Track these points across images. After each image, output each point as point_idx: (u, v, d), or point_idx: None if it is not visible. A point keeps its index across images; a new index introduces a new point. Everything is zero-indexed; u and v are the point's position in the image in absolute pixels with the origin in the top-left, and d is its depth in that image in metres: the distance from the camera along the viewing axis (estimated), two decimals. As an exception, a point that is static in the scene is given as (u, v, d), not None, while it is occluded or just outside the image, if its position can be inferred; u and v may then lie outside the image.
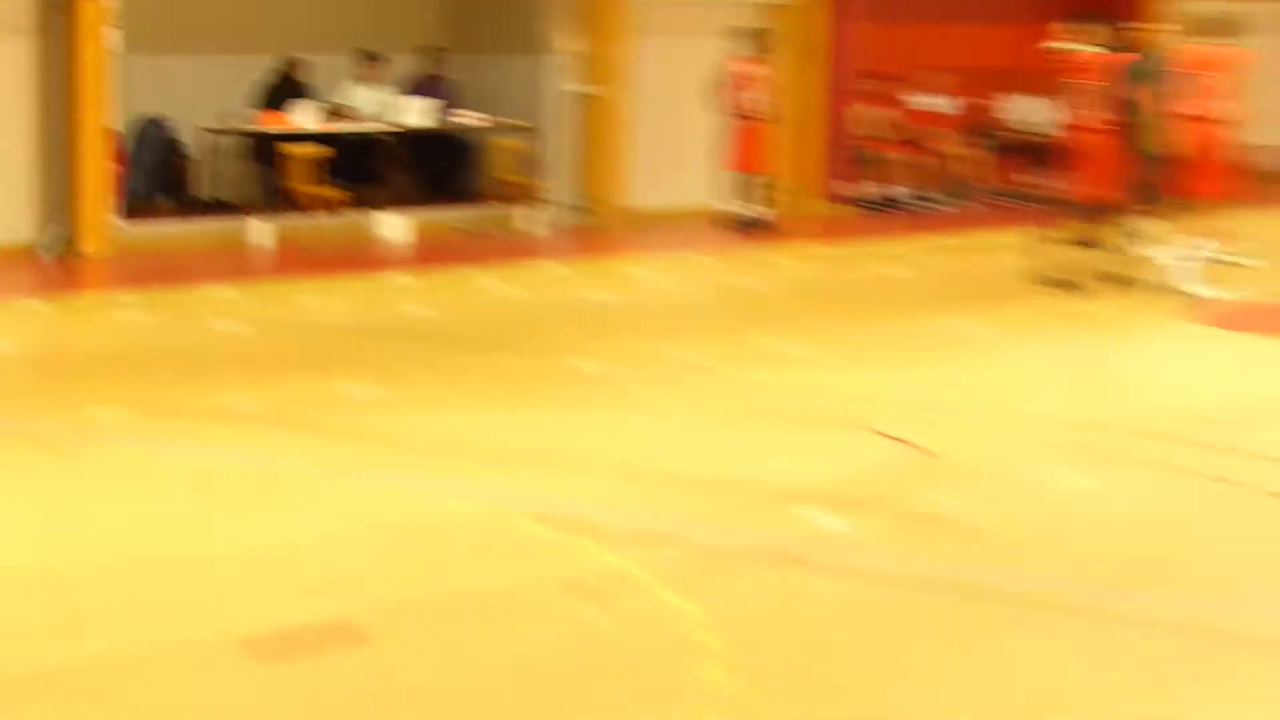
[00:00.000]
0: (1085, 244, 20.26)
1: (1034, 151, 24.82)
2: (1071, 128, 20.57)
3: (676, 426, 13.38)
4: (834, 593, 9.28)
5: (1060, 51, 21.56)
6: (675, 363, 15.60)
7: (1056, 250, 20.53)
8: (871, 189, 29.54)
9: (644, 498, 11.03)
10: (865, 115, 29.51)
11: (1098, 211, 20.37)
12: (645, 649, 8.34)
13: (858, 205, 29.19)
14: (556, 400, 14.31)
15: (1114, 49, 20.59)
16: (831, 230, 26.91)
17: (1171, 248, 20.11)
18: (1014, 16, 28.98)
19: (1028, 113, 28.12)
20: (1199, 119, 19.76)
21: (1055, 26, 23.37)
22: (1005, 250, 23.43)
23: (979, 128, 30.34)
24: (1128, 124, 20.35)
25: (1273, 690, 7.91)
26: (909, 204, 29.48)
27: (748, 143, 25.84)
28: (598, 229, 26.28)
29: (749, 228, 25.79)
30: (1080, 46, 21.26)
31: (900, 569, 9.60)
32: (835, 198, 28.88)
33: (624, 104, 26.60)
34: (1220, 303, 18.92)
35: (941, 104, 29.92)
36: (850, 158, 29.34)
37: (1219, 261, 19.82)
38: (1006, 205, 27.63)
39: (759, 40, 26.11)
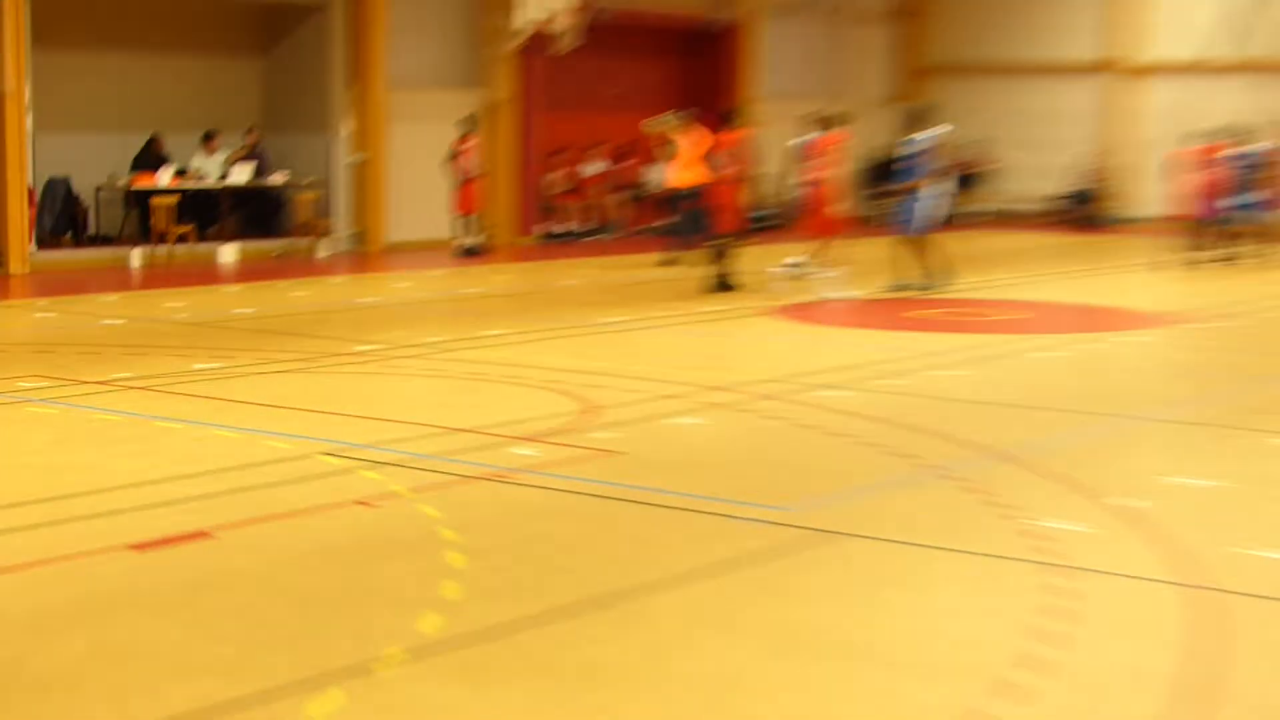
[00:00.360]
0: (715, 261, 20.60)
1: (663, 200, 25.06)
2: (712, 183, 20.98)
3: (424, 389, 13.37)
4: (532, 499, 9.33)
5: (657, 129, 22.10)
6: (422, 345, 15.58)
7: (696, 265, 20.81)
8: (555, 226, 29.70)
9: (402, 438, 11.01)
10: (550, 176, 29.67)
11: (725, 239, 20.74)
12: (406, 542, 8.36)
13: (546, 238, 29.33)
14: (341, 371, 14.25)
15: (732, 128, 20.98)
16: (528, 255, 26.99)
17: (786, 265, 20.84)
18: (636, 106, 29.20)
19: (656, 174, 28.32)
20: (812, 180, 20.20)
21: (667, 113, 24.08)
22: (646, 267, 23.71)
23: (625, 184, 30.63)
24: (742, 180, 20.78)
25: (818, 561, 8.11)
26: (580, 236, 29.66)
27: (469, 194, 25.96)
28: (368, 254, 26.20)
29: (471, 253, 25.85)
30: (669, 126, 21.77)
31: (576, 483, 9.67)
32: (530, 232, 29.00)
33: (384, 168, 26.61)
34: (814, 302, 19.26)
35: (600, 167, 30.18)
36: (541, 204, 29.47)
37: (817, 275, 20.23)
38: (644, 237, 27.84)
39: (474, 124, 26.27)
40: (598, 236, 29.80)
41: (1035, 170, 35.35)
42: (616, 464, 10.29)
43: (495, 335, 16.40)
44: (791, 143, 21.97)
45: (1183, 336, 17.32)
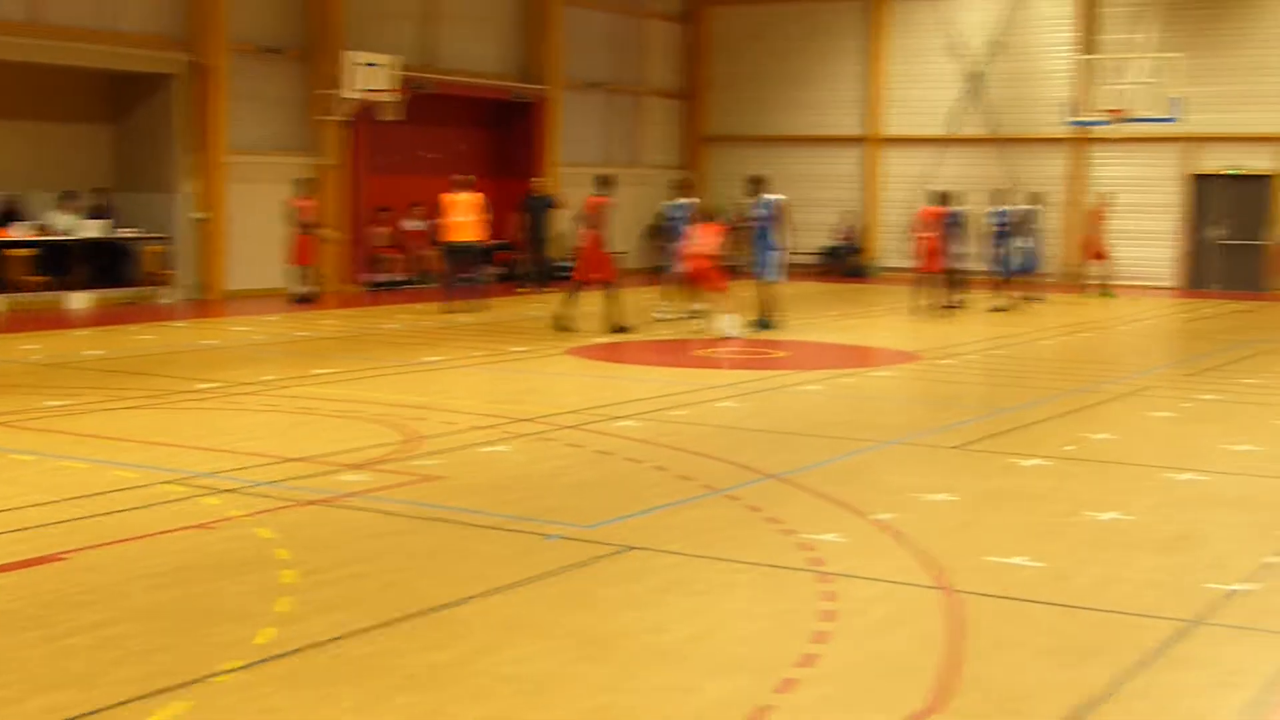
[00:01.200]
0: (567, 302, 21.12)
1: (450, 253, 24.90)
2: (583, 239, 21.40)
3: (260, 422, 13.11)
4: (360, 521, 9.19)
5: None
6: (259, 382, 15.32)
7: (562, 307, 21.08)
8: (379, 277, 29.44)
9: (240, 467, 10.80)
10: (375, 231, 29.44)
11: (578, 286, 21.18)
12: (244, 562, 8.18)
13: (371, 286, 29.05)
14: (184, 407, 13.93)
15: (601, 194, 21.27)
16: (354, 302, 26.70)
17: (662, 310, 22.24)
18: (451, 170, 29.07)
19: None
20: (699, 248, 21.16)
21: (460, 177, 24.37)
22: (459, 312, 23.55)
23: (436, 240, 30.46)
24: (602, 237, 20.98)
25: (618, 573, 8.09)
26: (401, 285, 29.42)
27: (303, 247, 25.75)
28: (209, 301, 25.77)
29: (303, 300, 25.54)
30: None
31: (399, 506, 9.57)
32: (357, 282, 28.71)
33: (224, 223, 26.26)
34: (610, 343, 19.29)
35: (417, 225, 29.96)
36: (367, 257, 29.20)
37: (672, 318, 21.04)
38: (458, 286, 27.66)
39: (308, 186, 26.09)
40: (416, 286, 29.59)
41: (805, 226, 35.90)
42: (436, 488, 10.18)
43: (326, 373, 16.18)
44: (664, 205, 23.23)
45: (926, 372, 17.62)
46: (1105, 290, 29.71)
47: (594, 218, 21.06)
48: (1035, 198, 28.68)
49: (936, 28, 35.26)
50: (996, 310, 25.63)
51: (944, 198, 25.33)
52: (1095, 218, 29.91)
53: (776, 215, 21.76)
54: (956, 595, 7.64)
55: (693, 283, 21.53)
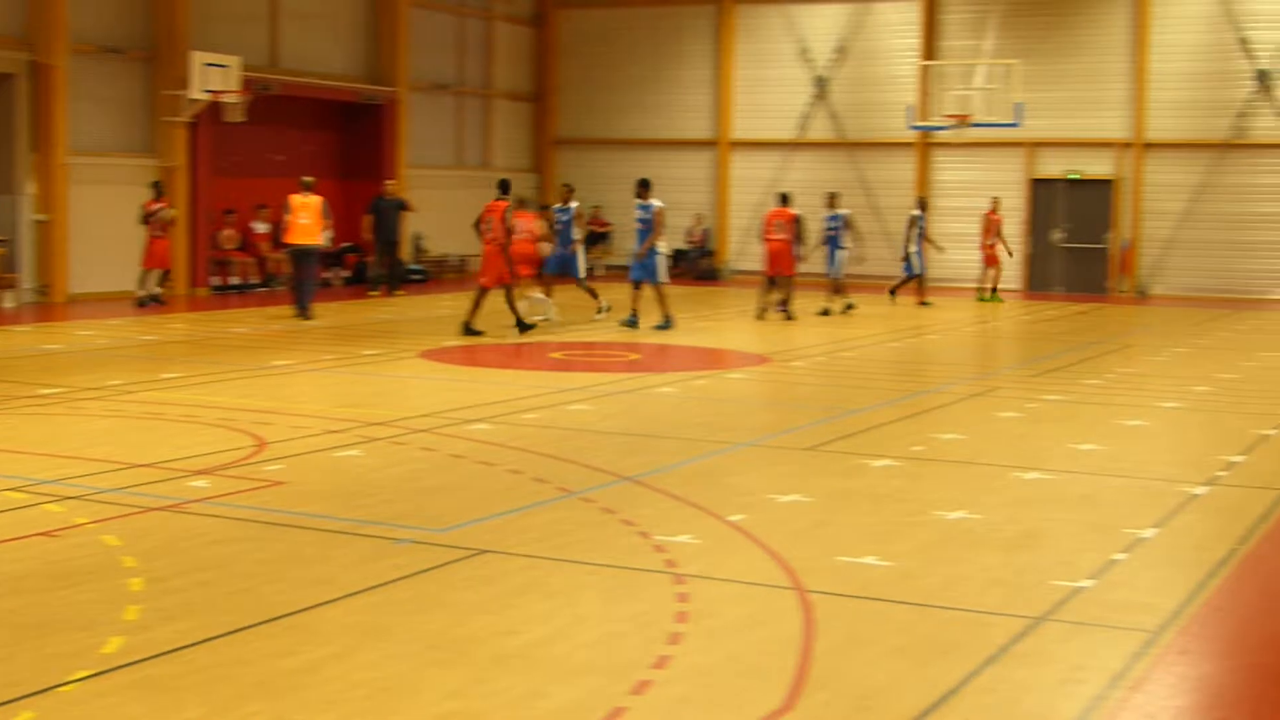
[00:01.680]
0: (475, 307, 21.10)
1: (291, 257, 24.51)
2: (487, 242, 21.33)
3: (105, 428, 12.86)
4: (207, 527, 9.06)
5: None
6: (103, 387, 15.01)
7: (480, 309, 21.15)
8: (226, 280, 29.05)
9: (84, 474, 10.58)
10: (222, 234, 29.03)
11: (488, 290, 21.17)
12: (89, 570, 8.02)
13: (218, 290, 28.67)
14: (26, 412, 13.63)
15: (502, 198, 21.24)
16: (201, 305, 26.33)
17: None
18: (299, 171, 28.76)
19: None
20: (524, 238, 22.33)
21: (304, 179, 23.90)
22: (301, 315, 23.28)
23: (281, 242, 30.08)
24: (501, 242, 20.97)
25: (470, 576, 8.05)
26: (250, 289, 29.07)
27: (154, 249, 25.33)
28: (52, 305, 25.28)
29: (150, 303, 25.14)
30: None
31: (247, 511, 9.44)
32: (204, 285, 28.30)
33: (66, 225, 25.74)
34: (462, 346, 19.19)
35: (264, 228, 29.58)
36: (213, 259, 28.79)
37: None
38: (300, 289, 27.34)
39: (159, 187, 25.72)
40: (265, 289, 29.20)
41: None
42: (285, 493, 10.06)
43: (172, 378, 15.91)
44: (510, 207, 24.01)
45: (777, 374, 17.77)
46: (992, 294, 30.03)
47: (493, 221, 21.03)
48: (923, 203, 29.26)
49: (784, 33, 35.61)
50: (846, 311, 25.94)
51: (785, 199, 25.50)
52: (990, 222, 30.14)
53: (656, 220, 22.30)
54: (809, 595, 7.72)
55: (524, 266, 22.22)
